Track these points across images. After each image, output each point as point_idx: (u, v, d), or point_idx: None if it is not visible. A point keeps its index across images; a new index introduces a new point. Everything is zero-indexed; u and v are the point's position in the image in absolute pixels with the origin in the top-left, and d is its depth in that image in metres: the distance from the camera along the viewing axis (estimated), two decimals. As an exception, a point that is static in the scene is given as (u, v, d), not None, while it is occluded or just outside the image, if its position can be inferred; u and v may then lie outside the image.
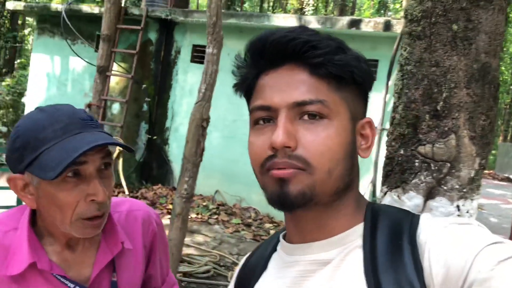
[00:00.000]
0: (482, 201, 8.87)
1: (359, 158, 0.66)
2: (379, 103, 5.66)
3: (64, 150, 0.83)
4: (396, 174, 1.02)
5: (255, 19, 6.17)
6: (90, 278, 0.95)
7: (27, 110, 8.11)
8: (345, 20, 5.74)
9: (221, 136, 6.59)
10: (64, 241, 0.94)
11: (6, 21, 14.48)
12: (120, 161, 6.08)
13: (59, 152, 0.83)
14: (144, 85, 6.97)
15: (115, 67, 6.76)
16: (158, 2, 7.05)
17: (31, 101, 8.01)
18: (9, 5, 8.11)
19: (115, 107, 7.18)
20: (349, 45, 0.65)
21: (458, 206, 0.94)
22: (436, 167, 0.96)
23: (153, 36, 7.06)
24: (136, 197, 6.14)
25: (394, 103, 1.07)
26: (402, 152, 1.01)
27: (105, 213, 0.91)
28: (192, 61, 6.92)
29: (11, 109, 10.37)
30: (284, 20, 6.03)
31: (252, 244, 5.14)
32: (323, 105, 0.61)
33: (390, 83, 5.65)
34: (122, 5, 6.70)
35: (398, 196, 1.00)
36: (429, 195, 0.97)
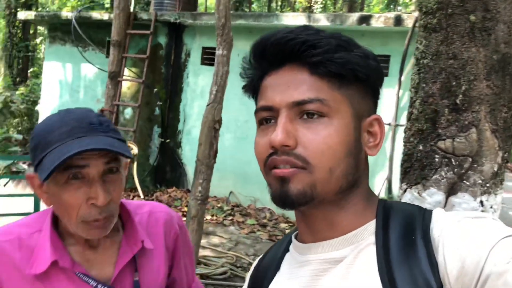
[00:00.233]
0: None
1: (377, 154, 0.65)
2: (392, 99, 5.60)
3: (59, 153, 0.85)
4: (416, 171, 0.99)
5: (264, 19, 6.16)
6: (112, 277, 0.97)
7: (41, 118, 8.21)
8: (354, 16, 5.69)
9: (234, 137, 6.59)
10: (84, 241, 0.97)
11: (18, 31, 14.69)
12: (134, 165, 6.12)
13: (56, 154, 0.85)
14: (155, 89, 7.01)
15: (126, 72, 6.81)
16: (167, 6, 7.08)
17: (45, 109, 8.10)
18: (21, 15, 8.22)
19: (128, 112, 7.23)
20: (359, 41, 0.64)
21: (481, 202, 0.92)
22: (457, 162, 0.93)
23: (162, 40, 7.09)
24: (151, 201, 6.16)
25: (411, 98, 1.04)
26: (421, 147, 0.99)
27: (109, 217, 0.92)
28: (202, 63, 6.93)
29: (25, 118, 10.51)
30: (293, 19, 6.01)
31: (268, 245, 5.12)
32: (322, 103, 0.61)
33: (402, 78, 5.59)
34: (131, 10, 6.74)
35: (418, 193, 0.98)
36: (451, 191, 0.94)
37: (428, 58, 0.99)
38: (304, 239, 0.69)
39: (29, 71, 15.11)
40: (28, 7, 13.99)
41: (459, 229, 0.59)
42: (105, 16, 7.12)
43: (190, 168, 6.84)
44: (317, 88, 0.62)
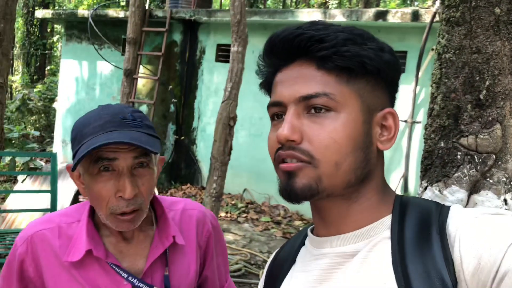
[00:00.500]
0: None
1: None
2: (409, 96, 5.52)
3: (88, 145, 0.89)
4: (437, 168, 0.97)
5: (279, 16, 6.13)
6: (143, 270, 1.00)
7: (57, 115, 8.32)
8: (371, 12, 5.63)
9: (248, 134, 6.58)
10: (118, 232, 1.00)
11: (36, 30, 14.91)
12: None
13: (85, 146, 0.89)
14: (170, 86, 7.04)
15: (142, 69, 6.85)
16: (182, 3, 7.10)
17: (62, 106, 8.21)
18: (38, 14, 8.34)
19: (143, 109, 7.28)
20: (376, 37, 0.64)
21: (505, 200, 0.89)
22: (480, 159, 0.91)
23: (177, 37, 7.11)
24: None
25: (432, 93, 1.02)
26: (442, 144, 0.96)
27: (137, 210, 0.94)
28: (217, 60, 6.93)
29: (43, 115, 10.67)
30: (308, 15, 5.96)
31: (282, 242, 5.11)
32: (329, 98, 0.61)
33: (419, 74, 5.51)
34: (147, 7, 6.78)
35: (439, 190, 0.96)
36: (473, 189, 0.92)
37: (450, 53, 0.96)
38: (319, 233, 0.69)
39: (46, 69, 15.33)
40: (45, 5, 14.19)
41: (476, 225, 0.58)
42: (120, 14, 7.17)
43: (204, 165, 6.86)
44: (324, 82, 0.62)
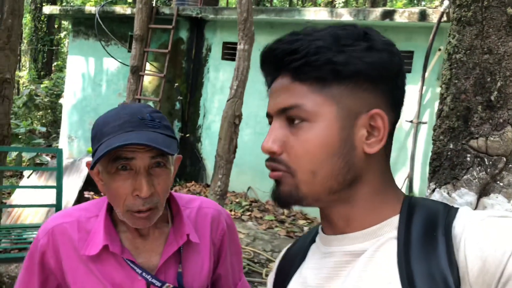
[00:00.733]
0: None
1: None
2: (415, 96, 5.49)
3: (107, 145, 0.91)
4: (446, 170, 0.95)
5: (286, 14, 6.11)
6: (157, 266, 1.03)
7: (64, 111, 8.35)
8: (378, 11, 5.59)
9: (253, 132, 6.58)
10: (134, 229, 1.03)
11: (43, 26, 14.97)
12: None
13: (104, 146, 0.91)
14: (176, 84, 7.04)
15: (148, 66, 6.85)
16: (188, 0, 7.09)
17: (68, 102, 8.24)
18: (46, 10, 8.36)
19: (148, 106, 7.28)
20: None
21: (515, 204, 0.88)
22: (491, 162, 0.89)
23: (184, 34, 7.11)
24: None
25: (441, 94, 1.00)
26: (451, 146, 0.95)
27: (153, 209, 0.96)
28: (223, 58, 6.93)
29: (49, 111, 10.72)
30: (315, 14, 5.94)
31: (286, 241, 5.10)
32: (299, 109, 0.63)
33: (426, 75, 5.47)
34: (153, 5, 6.78)
35: (448, 193, 0.94)
36: (483, 192, 0.91)
37: (461, 53, 0.94)
38: (327, 232, 0.71)
39: (53, 65, 15.39)
40: (52, 1, 14.24)
41: (482, 228, 0.58)
42: (127, 10, 7.18)
43: (209, 163, 6.86)
44: (298, 93, 0.63)
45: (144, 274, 1.01)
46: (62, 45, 16.77)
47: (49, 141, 9.76)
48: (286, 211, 6.06)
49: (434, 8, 5.47)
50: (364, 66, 0.62)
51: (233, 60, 5.07)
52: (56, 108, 10.68)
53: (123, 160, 0.93)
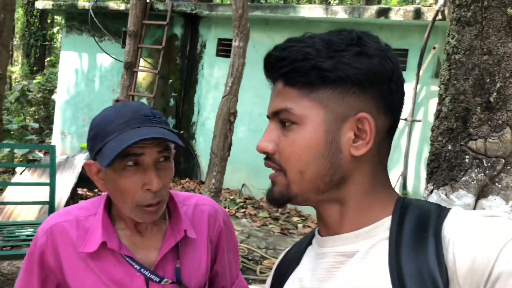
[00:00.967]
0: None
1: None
2: (409, 94, 5.50)
3: (120, 141, 0.93)
4: (444, 171, 0.95)
5: (281, 11, 6.09)
6: (155, 262, 1.05)
7: (57, 107, 8.28)
8: (373, 9, 5.59)
9: (248, 129, 6.56)
10: (133, 226, 1.05)
11: (36, 20, 14.82)
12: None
13: (116, 143, 0.93)
14: (170, 80, 7.00)
15: (142, 62, 6.81)
16: (183, -4, 7.04)
17: (61, 98, 8.17)
18: (38, 4, 8.27)
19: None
20: (377, 35, 0.66)
21: (513, 206, 0.87)
22: (489, 164, 0.89)
23: (178, 30, 7.07)
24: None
25: (440, 95, 1.00)
26: (450, 147, 0.94)
27: (161, 202, 1.00)
28: (218, 55, 6.90)
29: (42, 106, 10.62)
30: (310, 11, 5.93)
31: (280, 238, 5.10)
32: (289, 112, 0.66)
33: (420, 73, 5.49)
34: (148, 0, 6.73)
35: (446, 194, 0.94)
36: (481, 193, 0.90)
37: (460, 54, 0.94)
38: (322, 233, 0.72)
39: (46, 60, 15.25)
40: (45, -4, 14.06)
41: (471, 227, 0.59)
42: (121, 6, 7.12)
43: (203, 160, 6.84)
44: (288, 97, 0.67)
45: (142, 270, 1.02)
46: (55, 40, 16.62)
47: (42, 137, 9.68)
48: (280, 209, 6.06)
49: (429, 6, 5.48)
50: (351, 71, 0.64)
51: (228, 56, 5.04)
52: (49, 103, 10.58)
53: (133, 156, 0.95)
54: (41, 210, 4.48)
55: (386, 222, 0.66)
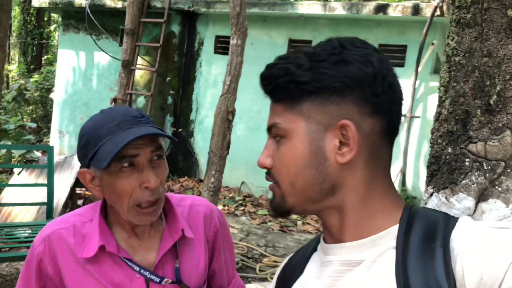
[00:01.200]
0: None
1: (344, 162, 0.66)
2: (408, 90, 5.50)
3: (115, 143, 0.95)
4: (444, 174, 0.94)
5: (279, 8, 6.06)
6: (154, 263, 1.06)
7: (54, 106, 8.25)
8: (371, 5, 5.57)
9: (246, 127, 6.55)
10: (130, 229, 1.06)
11: (32, 18, 14.74)
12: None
13: (111, 145, 0.95)
14: (168, 78, 6.98)
15: (139, 60, 6.78)
16: (180, -7, 7.00)
17: (59, 97, 8.14)
18: (35, 2, 8.22)
19: (140, 101, 7.22)
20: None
21: (514, 209, 0.87)
22: (489, 167, 0.88)
23: (176, 28, 7.04)
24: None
25: (440, 97, 0.99)
26: (450, 150, 0.93)
27: (159, 200, 1.01)
28: (216, 52, 6.88)
29: (39, 105, 10.58)
30: (308, 8, 5.90)
31: (279, 235, 5.10)
32: (277, 127, 0.69)
33: (419, 69, 5.48)
34: (145, -2, 6.69)
35: (446, 197, 0.93)
36: (481, 197, 0.90)
37: (460, 56, 0.93)
38: (327, 240, 0.72)
39: (43, 58, 15.19)
40: (42, -6, 13.98)
41: (480, 240, 0.58)
42: (118, 4, 7.08)
43: (202, 158, 6.83)
44: (276, 113, 0.70)
45: (142, 271, 1.04)
46: (52, 38, 16.55)
47: (40, 136, 9.65)
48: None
49: (427, 2, 5.46)
50: (328, 80, 0.65)
51: (226, 54, 5.02)
52: (47, 102, 10.54)
53: (129, 158, 0.97)
54: (39, 210, 4.47)
55: (392, 231, 0.65)
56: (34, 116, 10.44)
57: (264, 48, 6.21)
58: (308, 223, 5.53)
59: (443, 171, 0.94)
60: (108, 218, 1.09)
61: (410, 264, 0.61)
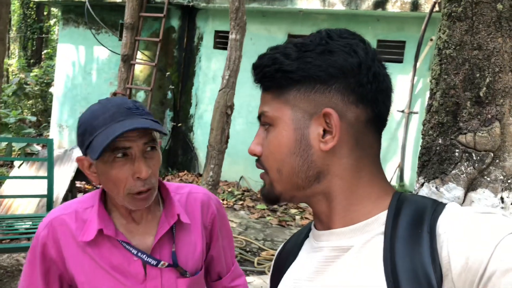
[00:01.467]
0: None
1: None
2: (407, 86, 5.51)
3: (106, 135, 0.98)
4: (434, 165, 0.97)
5: (278, 3, 6.06)
6: (152, 247, 1.10)
7: (54, 100, 8.26)
8: (370, 1, 5.57)
9: (245, 122, 6.57)
10: (128, 214, 1.11)
11: (32, 13, 14.71)
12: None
13: (103, 137, 0.98)
14: (167, 73, 6.99)
15: (139, 55, 6.79)
16: (180, -12, 7.00)
17: (58, 91, 8.15)
18: (34, -4, 8.21)
19: (140, 95, 7.23)
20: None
21: (502, 198, 0.89)
22: (478, 157, 0.90)
23: (175, 23, 7.04)
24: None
25: (431, 89, 1.01)
26: (440, 141, 0.96)
27: (151, 188, 1.05)
28: (215, 47, 6.88)
29: (39, 99, 10.59)
30: (307, 3, 5.90)
31: (277, 230, 5.14)
32: (265, 116, 0.71)
33: (418, 65, 5.49)
34: (144, -8, 6.68)
35: (436, 187, 0.96)
36: (471, 186, 0.92)
37: (451, 48, 0.95)
38: (317, 227, 0.73)
39: (43, 52, 15.16)
40: (41, -12, 13.95)
41: (465, 224, 0.59)
42: (118, -2, 7.07)
43: (201, 152, 6.85)
44: (265, 102, 0.72)
45: (139, 254, 1.08)
46: (52, 32, 16.51)
47: (40, 130, 9.67)
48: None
49: (427, -3, 5.46)
50: (312, 69, 0.67)
51: (225, 49, 5.03)
52: (47, 96, 10.55)
53: (121, 149, 1.01)
54: (40, 203, 4.50)
55: (381, 217, 0.66)
56: (34, 110, 10.45)
57: (263, 43, 6.22)
58: (306, 218, 5.56)
59: (434, 162, 0.96)
60: (107, 204, 1.14)
61: (398, 250, 0.61)
